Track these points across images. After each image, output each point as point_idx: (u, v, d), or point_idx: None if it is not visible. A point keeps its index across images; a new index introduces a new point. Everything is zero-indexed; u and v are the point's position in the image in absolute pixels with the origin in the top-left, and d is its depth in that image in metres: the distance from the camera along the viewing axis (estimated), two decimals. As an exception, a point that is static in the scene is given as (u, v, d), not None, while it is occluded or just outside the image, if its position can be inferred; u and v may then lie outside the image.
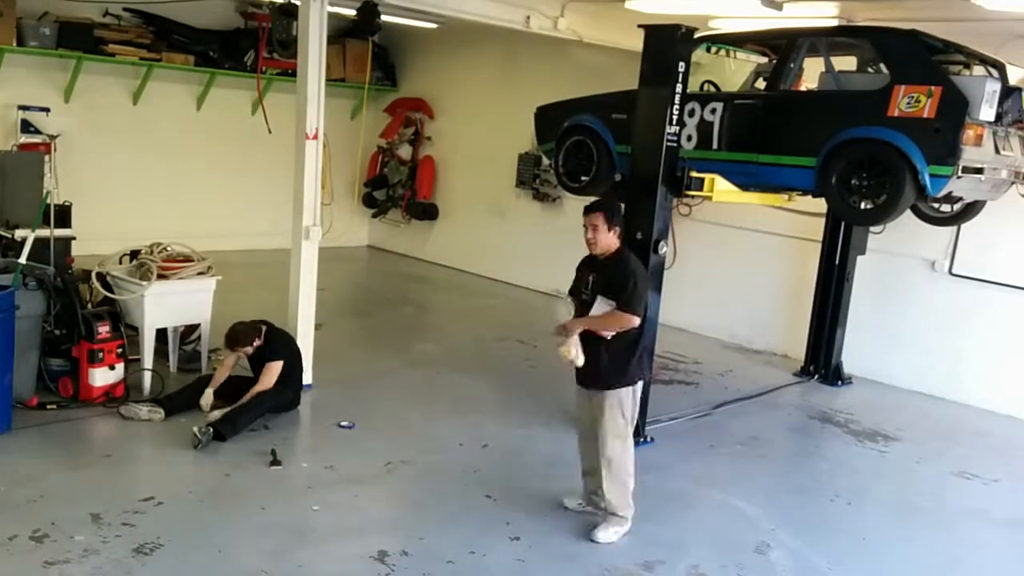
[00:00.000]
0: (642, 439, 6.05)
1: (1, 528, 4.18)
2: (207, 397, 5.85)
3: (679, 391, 7.55)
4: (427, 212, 12.29)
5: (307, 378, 6.51)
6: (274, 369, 5.94)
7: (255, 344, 5.99)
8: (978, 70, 6.17)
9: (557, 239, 10.75)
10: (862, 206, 5.91)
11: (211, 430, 5.44)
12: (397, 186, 12.47)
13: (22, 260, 5.66)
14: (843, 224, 7.80)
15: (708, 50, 7.07)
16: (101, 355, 5.80)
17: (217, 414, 5.65)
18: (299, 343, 6.40)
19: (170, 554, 4.13)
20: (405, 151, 12.45)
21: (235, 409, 5.70)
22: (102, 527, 4.29)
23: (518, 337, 8.79)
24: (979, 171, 5.54)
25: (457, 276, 11.77)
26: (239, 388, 5.90)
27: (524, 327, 9.21)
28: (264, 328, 6.09)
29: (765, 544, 4.83)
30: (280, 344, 6.13)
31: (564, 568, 4.40)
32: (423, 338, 8.74)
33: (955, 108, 5.43)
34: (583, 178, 7.22)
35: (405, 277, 11.65)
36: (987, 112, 5.52)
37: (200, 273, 6.47)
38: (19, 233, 6.25)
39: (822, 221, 7.99)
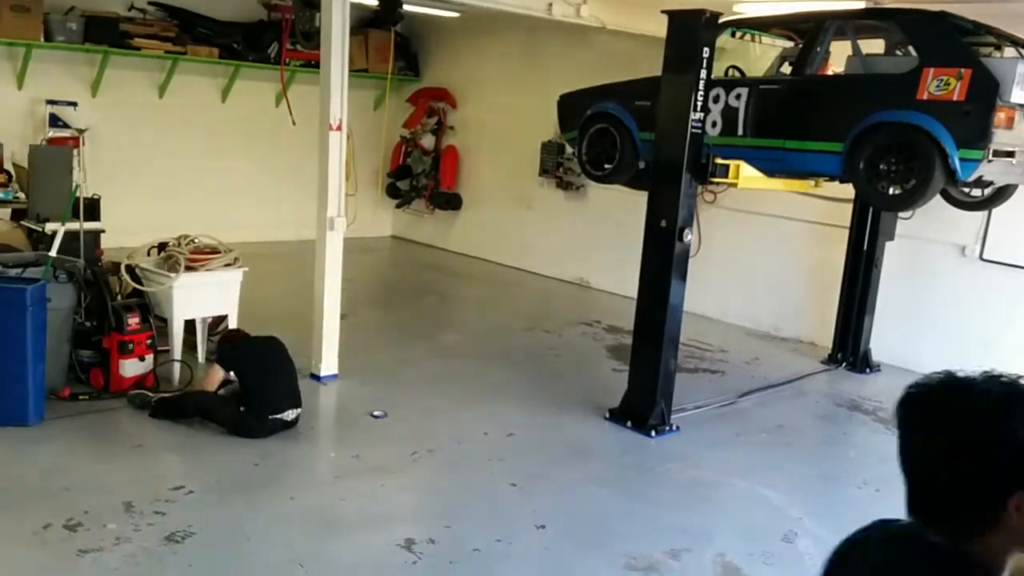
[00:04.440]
0: (667, 427, 6.04)
1: (35, 517, 4.25)
2: None
3: (704, 379, 7.52)
4: (450, 202, 12.30)
5: (333, 368, 6.56)
6: (214, 371, 5.62)
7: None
8: (1009, 52, 6.05)
9: (581, 228, 10.76)
10: (890, 191, 5.82)
11: (151, 403, 5.58)
12: (420, 176, 12.49)
13: (52, 253, 5.73)
14: (871, 210, 7.69)
15: (733, 35, 7.01)
16: (131, 346, 5.88)
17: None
18: (324, 333, 6.45)
19: (200, 542, 4.19)
20: (428, 141, 12.47)
21: (187, 394, 5.75)
22: (134, 515, 4.35)
23: (543, 327, 8.79)
24: (1010, 154, 5.44)
25: (481, 265, 11.77)
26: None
27: (549, 316, 9.21)
28: (240, 335, 5.83)
29: (792, 532, 4.81)
30: (237, 356, 5.61)
31: (590, 557, 4.41)
32: (448, 327, 8.77)
33: (986, 90, 5.32)
34: (606, 166, 7.20)
35: (429, 267, 11.67)
36: (1019, 94, 5.40)
37: (227, 265, 6.53)
38: (49, 226, 6.34)
39: (849, 207, 7.89)
